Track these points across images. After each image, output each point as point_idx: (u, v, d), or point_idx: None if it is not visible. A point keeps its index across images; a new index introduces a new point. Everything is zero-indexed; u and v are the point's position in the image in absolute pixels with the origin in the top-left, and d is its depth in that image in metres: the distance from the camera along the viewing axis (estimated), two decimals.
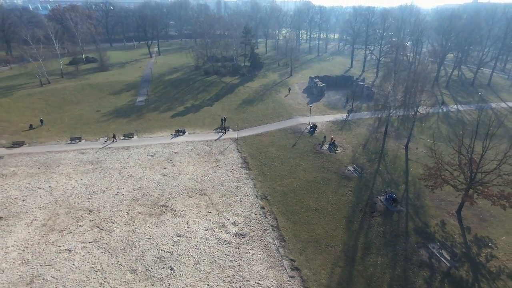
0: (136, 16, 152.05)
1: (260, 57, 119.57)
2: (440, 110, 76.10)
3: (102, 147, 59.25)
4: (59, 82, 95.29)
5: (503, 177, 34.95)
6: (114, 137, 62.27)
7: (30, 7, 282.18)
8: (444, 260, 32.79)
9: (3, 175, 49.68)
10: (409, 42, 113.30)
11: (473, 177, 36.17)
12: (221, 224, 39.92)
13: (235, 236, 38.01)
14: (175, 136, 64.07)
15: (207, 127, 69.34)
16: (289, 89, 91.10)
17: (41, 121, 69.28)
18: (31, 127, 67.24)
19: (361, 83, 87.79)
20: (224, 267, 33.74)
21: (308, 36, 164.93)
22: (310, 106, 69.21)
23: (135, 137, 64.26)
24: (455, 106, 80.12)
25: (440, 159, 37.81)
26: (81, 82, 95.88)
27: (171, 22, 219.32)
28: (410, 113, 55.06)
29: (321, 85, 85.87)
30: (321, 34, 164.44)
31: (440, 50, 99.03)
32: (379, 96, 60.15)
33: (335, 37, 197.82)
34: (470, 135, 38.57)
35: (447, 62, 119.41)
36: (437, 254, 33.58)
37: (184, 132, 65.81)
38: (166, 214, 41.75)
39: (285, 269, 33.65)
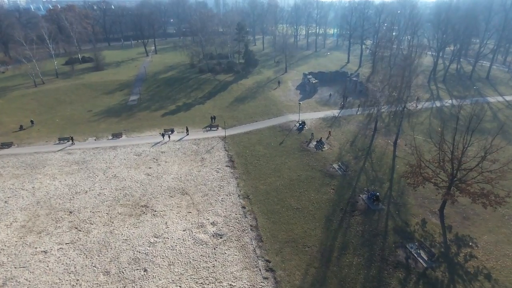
0: (132, 15, 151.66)
1: (255, 54, 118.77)
2: (434, 105, 74.75)
3: (60, 150, 58.46)
4: (53, 83, 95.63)
5: (484, 174, 33.98)
6: (71, 139, 60.99)
7: (32, 7, 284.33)
8: (421, 261, 32.01)
9: None
10: (407, 36, 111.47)
11: (455, 175, 35.22)
12: (199, 224, 39.55)
13: (213, 236, 37.61)
14: (164, 135, 63.11)
15: (197, 126, 68.85)
16: (279, 82, 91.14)
17: (32, 121, 69.49)
18: (21, 128, 67.46)
19: (355, 79, 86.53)
20: (198, 268, 33.39)
21: (306, 32, 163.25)
22: (299, 103, 68.35)
23: (124, 136, 64.08)
24: (449, 101, 78.51)
25: (420, 156, 36.89)
26: (75, 82, 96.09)
27: (171, 20, 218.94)
28: (398, 109, 53.99)
29: (313, 82, 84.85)
30: (319, 30, 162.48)
31: (436, 44, 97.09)
32: (368, 92, 59.28)
33: (334, 31, 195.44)
34: (461, 131, 37.08)
35: (447, 56, 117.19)
36: (415, 254, 32.80)
37: (173, 131, 65.41)
38: (146, 214, 41.50)
39: (260, 270, 33.19)
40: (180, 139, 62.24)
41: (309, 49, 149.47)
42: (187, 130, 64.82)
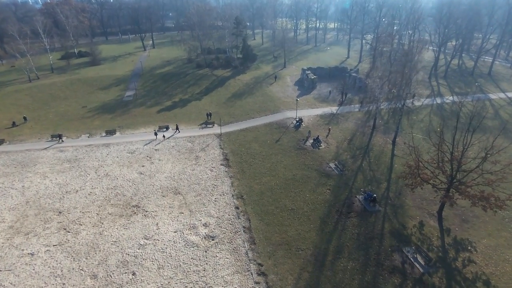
0: (130, 8, 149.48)
1: (254, 49, 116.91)
2: (435, 102, 73.23)
3: (52, 147, 57.17)
4: (48, 78, 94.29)
5: (485, 176, 32.76)
6: (59, 137, 59.50)
7: (30, 1, 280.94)
8: (417, 266, 30.95)
9: None
10: (409, 31, 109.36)
11: (454, 176, 34.00)
12: (191, 225, 38.53)
13: (204, 238, 36.61)
14: (157, 134, 60.44)
15: (193, 123, 67.62)
16: (275, 77, 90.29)
17: (25, 118, 68.32)
18: (14, 124, 66.31)
19: (354, 75, 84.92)
20: (188, 272, 32.43)
21: (306, 26, 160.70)
22: (297, 100, 66.90)
23: (117, 133, 62.91)
24: (450, 97, 76.95)
25: (418, 156, 35.66)
26: (71, 77, 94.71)
27: (170, 13, 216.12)
28: (397, 106, 52.54)
29: (312, 77, 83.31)
30: (319, 24, 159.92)
31: (438, 38, 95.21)
32: (367, 88, 57.90)
33: (335, 26, 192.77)
34: (461, 130, 35.44)
35: (448, 51, 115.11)
36: (411, 259, 31.73)
37: (167, 128, 64.14)
38: (137, 215, 40.50)
39: (252, 274, 32.23)
40: (170, 136, 60.58)
41: (308, 44, 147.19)
42: (177, 128, 63.18)
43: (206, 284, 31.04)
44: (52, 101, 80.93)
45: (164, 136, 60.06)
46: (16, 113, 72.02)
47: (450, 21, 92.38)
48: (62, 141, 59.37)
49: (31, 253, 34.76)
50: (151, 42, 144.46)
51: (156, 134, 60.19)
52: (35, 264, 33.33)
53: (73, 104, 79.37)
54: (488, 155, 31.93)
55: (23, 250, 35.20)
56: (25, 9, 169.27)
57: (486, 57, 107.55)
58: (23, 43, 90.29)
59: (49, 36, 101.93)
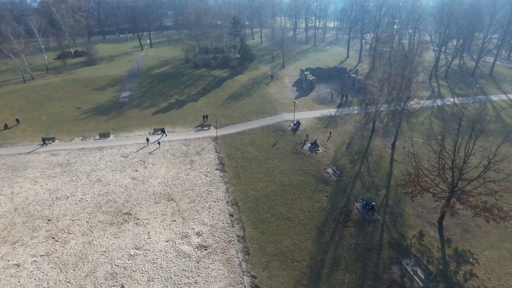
0: (127, 7, 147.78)
1: (252, 48, 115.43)
2: (435, 104, 71.89)
3: (38, 151, 55.94)
4: (43, 78, 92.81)
5: (487, 185, 31.50)
6: (43, 141, 58.21)
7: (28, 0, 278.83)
8: (417, 279, 29.75)
9: None
10: (409, 31, 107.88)
11: (455, 185, 32.75)
12: (184, 234, 37.34)
13: (197, 248, 35.42)
14: (148, 141, 58.11)
15: (189, 125, 66.36)
16: (272, 77, 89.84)
17: (17, 120, 66.94)
18: (6, 126, 64.98)
19: (353, 75, 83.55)
20: (179, 284, 31.27)
21: (305, 25, 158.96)
22: (294, 102, 65.58)
23: (111, 136, 61.61)
24: (451, 99, 75.62)
25: (419, 163, 34.40)
26: (66, 78, 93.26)
27: (169, 12, 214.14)
28: (397, 109, 51.18)
29: (311, 78, 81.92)
30: (319, 23, 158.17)
31: (438, 38, 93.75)
32: (366, 90, 56.61)
33: (335, 24, 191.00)
34: (463, 133, 33.95)
35: (449, 51, 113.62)
36: (411, 272, 30.52)
37: (162, 131, 62.78)
38: (128, 223, 39.30)
39: (245, 287, 31.05)
40: (156, 140, 58.62)
41: (308, 43, 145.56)
42: (164, 131, 61.34)
43: None
44: (46, 102, 79.57)
45: (159, 143, 57.99)
46: (9, 115, 70.64)
47: (451, 20, 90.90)
48: (46, 144, 58.03)
49: (17, 264, 33.58)
50: (148, 41, 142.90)
51: (147, 140, 58.16)
52: (21, 276, 32.14)
53: (68, 105, 77.99)
54: (491, 164, 30.66)
55: (8, 260, 33.99)
56: (22, 8, 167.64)
57: (487, 57, 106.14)
58: (17, 42, 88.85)
59: (44, 36, 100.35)
